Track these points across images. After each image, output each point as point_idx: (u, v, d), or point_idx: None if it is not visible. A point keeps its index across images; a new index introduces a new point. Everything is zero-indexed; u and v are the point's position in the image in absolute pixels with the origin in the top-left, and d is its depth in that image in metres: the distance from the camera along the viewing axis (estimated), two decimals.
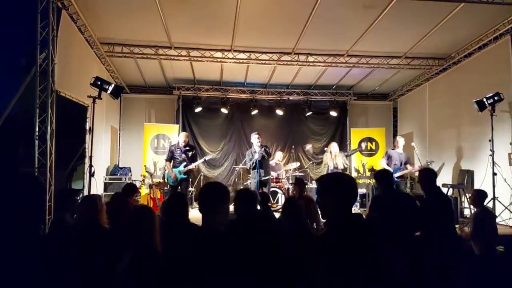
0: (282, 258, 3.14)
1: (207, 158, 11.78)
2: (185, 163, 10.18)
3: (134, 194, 6.97)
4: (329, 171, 10.98)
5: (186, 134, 10.84)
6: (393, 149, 11.12)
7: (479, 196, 6.56)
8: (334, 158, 11.04)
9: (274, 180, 12.19)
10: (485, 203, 6.58)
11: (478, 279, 5.03)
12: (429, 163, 10.98)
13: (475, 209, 6.63)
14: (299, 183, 8.23)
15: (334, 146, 11.30)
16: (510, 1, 8.00)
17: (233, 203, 4.54)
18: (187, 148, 10.40)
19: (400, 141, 11.02)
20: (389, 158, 10.91)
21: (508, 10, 8.72)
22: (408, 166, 10.59)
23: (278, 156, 13.01)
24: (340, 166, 11.08)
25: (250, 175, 10.99)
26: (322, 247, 2.61)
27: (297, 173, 12.93)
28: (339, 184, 2.71)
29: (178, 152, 10.26)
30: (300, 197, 7.69)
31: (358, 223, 2.68)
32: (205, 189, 3.39)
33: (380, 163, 11.41)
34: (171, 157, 10.33)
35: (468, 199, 7.67)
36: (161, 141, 13.66)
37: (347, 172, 11.38)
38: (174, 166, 10.22)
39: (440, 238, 5.15)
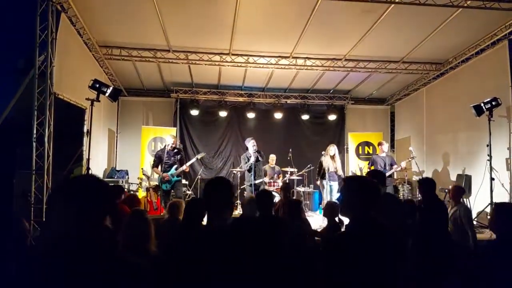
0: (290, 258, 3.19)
1: (199, 156, 11.74)
2: (176, 166, 10.15)
3: (121, 196, 6.93)
4: (328, 174, 11.03)
5: (174, 135, 10.76)
6: (377, 155, 11.36)
7: (459, 192, 6.88)
8: (334, 161, 11.12)
9: (272, 183, 12.18)
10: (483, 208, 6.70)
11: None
12: (410, 159, 11.18)
13: (453, 204, 6.93)
14: (284, 188, 8.28)
15: (332, 149, 11.41)
16: (508, 6, 8.04)
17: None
18: (175, 151, 10.38)
19: (384, 146, 11.31)
20: (373, 163, 11.16)
21: (506, 16, 8.76)
22: (394, 166, 10.80)
23: (271, 160, 12.99)
24: (339, 172, 11.18)
25: (245, 180, 11.02)
26: (339, 245, 2.78)
27: (294, 177, 12.92)
28: (364, 188, 2.88)
29: (167, 156, 10.21)
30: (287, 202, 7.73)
31: (375, 225, 2.83)
32: (212, 184, 3.33)
33: (367, 170, 11.63)
34: (158, 163, 10.30)
35: (449, 194, 7.86)
36: (159, 144, 13.61)
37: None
38: (165, 170, 10.17)
39: (434, 243, 5.22)
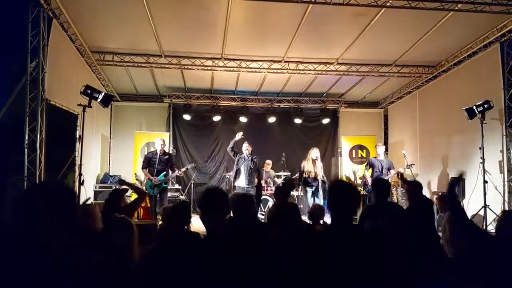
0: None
1: (188, 167, 11.75)
2: (164, 172, 10.08)
3: (123, 198, 6.89)
4: (309, 180, 10.62)
5: (163, 140, 10.59)
6: (375, 157, 11.22)
7: (445, 201, 6.79)
8: (315, 165, 10.61)
9: (265, 188, 12.18)
10: (477, 211, 6.66)
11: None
12: (408, 166, 11.10)
13: (444, 214, 6.82)
14: (277, 192, 8.02)
15: (314, 152, 10.83)
16: (498, 9, 8.08)
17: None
18: (166, 156, 10.29)
19: (379, 149, 11.13)
20: (371, 166, 11.01)
21: (497, 19, 8.80)
22: (391, 171, 10.68)
23: (266, 164, 12.98)
24: (319, 177, 10.60)
25: (236, 184, 10.92)
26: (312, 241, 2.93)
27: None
28: (347, 193, 2.99)
29: (157, 161, 10.09)
30: (284, 207, 7.52)
31: (354, 230, 2.96)
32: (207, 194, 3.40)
33: (365, 172, 11.48)
34: (147, 165, 10.15)
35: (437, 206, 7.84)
36: (152, 149, 13.54)
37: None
38: (153, 175, 10.05)
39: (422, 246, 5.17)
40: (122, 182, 6.94)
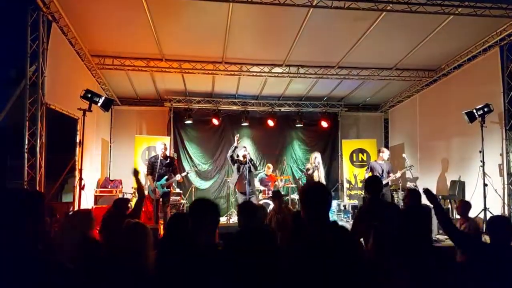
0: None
1: (189, 171, 11.73)
2: (166, 176, 10.05)
3: (128, 208, 6.90)
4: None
5: (164, 144, 10.57)
6: (375, 161, 11.22)
7: (466, 207, 6.82)
8: (317, 170, 10.83)
9: (266, 192, 12.18)
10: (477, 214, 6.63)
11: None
12: (408, 168, 11.07)
13: (461, 221, 6.84)
14: (275, 197, 8.13)
15: (314, 157, 11.17)
16: (498, 13, 8.09)
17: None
18: (167, 161, 10.25)
19: (384, 154, 11.15)
20: (371, 169, 11.01)
21: (497, 22, 8.83)
22: (390, 174, 10.69)
23: (267, 168, 12.99)
24: (322, 180, 10.90)
25: (237, 189, 10.90)
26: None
27: (290, 185, 12.94)
28: (306, 194, 2.98)
29: (159, 165, 10.07)
30: (279, 211, 7.61)
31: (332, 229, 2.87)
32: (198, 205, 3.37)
33: (365, 175, 11.48)
34: (151, 171, 10.13)
35: (457, 210, 7.82)
36: (152, 153, 13.48)
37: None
38: (156, 179, 10.00)
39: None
40: (135, 172, 6.87)
